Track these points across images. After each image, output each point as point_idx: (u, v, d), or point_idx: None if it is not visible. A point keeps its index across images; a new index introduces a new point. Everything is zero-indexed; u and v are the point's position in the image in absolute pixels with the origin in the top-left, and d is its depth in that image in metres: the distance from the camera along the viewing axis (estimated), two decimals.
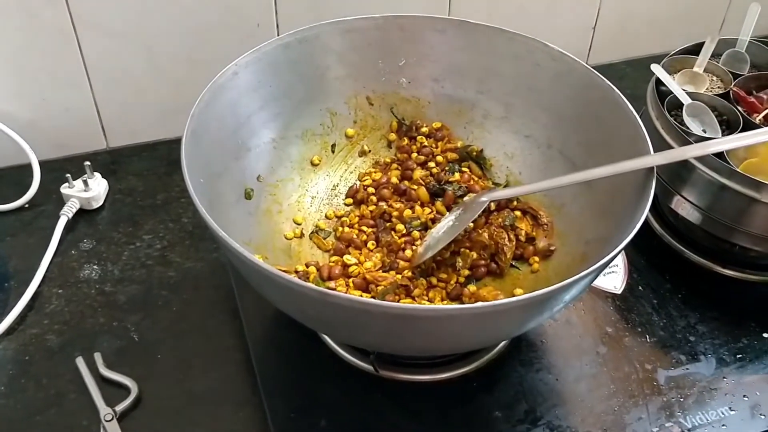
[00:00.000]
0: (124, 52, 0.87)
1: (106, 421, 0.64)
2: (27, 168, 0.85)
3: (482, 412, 0.65)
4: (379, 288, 0.66)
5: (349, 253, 0.72)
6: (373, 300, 0.58)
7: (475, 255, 0.71)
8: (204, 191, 0.61)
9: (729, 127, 0.79)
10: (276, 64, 0.72)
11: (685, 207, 0.75)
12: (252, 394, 0.67)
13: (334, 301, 0.49)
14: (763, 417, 0.66)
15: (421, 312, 0.52)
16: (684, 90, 0.81)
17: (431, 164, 0.78)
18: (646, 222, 0.82)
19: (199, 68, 0.89)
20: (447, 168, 0.78)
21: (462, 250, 0.71)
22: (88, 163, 0.84)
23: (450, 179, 0.77)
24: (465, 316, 0.52)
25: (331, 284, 0.67)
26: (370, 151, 0.81)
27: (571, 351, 0.71)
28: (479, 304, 0.60)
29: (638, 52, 1.13)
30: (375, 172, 0.79)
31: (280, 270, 0.63)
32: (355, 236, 0.73)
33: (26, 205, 0.85)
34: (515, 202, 0.75)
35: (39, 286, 0.76)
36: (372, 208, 0.76)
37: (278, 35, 0.90)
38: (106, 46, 0.85)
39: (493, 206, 0.74)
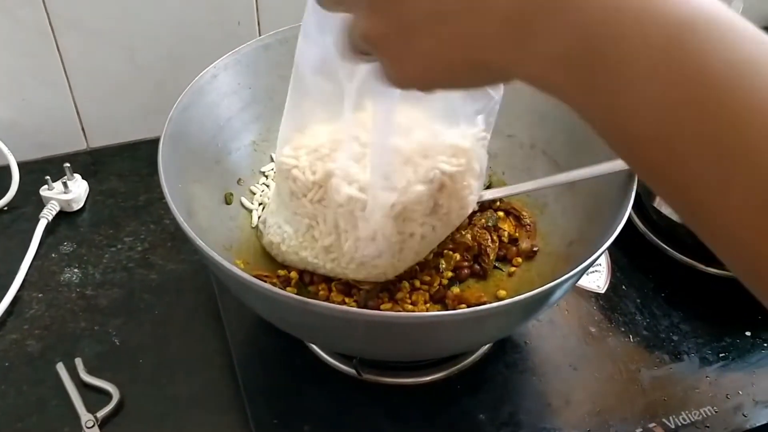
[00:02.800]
0: (103, 50, 0.86)
1: (88, 427, 0.63)
2: (5, 170, 0.84)
3: (466, 415, 0.65)
4: (362, 291, 0.66)
5: None
6: (353, 308, 0.57)
7: (458, 257, 0.70)
8: (183, 196, 0.60)
9: None
10: (256, 65, 0.71)
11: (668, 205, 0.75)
12: (235, 398, 0.66)
13: (313, 310, 0.49)
14: (745, 416, 0.67)
15: (403, 319, 0.51)
16: None
17: None
18: (630, 221, 0.82)
19: (180, 67, 0.88)
20: None
21: (445, 251, 0.71)
22: (67, 164, 0.83)
23: None
24: (447, 322, 0.52)
25: (313, 288, 0.67)
26: None
27: (554, 352, 0.71)
28: (462, 310, 0.60)
29: None
30: None
31: (261, 275, 0.63)
32: None
33: (5, 208, 0.84)
34: (498, 203, 0.74)
35: (18, 290, 0.75)
36: None
37: (260, 33, 0.90)
38: (85, 44, 0.84)
39: (475, 207, 0.73)
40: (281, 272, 0.69)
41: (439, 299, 0.68)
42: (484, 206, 0.74)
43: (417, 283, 0.69)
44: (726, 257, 0.31)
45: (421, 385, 0.67)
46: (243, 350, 0.69)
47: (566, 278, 0.52)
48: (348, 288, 0.67)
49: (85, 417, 0.64)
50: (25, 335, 0.71)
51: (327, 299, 0.65)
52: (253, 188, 0.74)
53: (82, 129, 0.91)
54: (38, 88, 0.86)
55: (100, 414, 0.64)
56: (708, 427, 0.65)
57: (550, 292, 0.52)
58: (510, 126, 0.76)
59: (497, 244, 0.71)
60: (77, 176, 0.85)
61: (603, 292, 0.77)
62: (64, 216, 0.83)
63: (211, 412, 0.66)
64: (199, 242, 0.52)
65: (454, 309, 0.65)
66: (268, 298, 0.51)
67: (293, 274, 0.68)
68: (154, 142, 0.62)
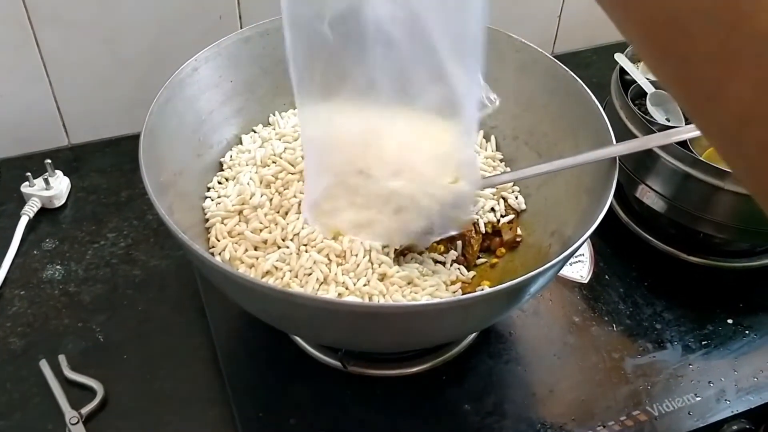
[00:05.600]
0: (83, 45, 0.85)
1: (72, 424, 0.63)
2: None
3: (452, 405, 0.65)
4: None
5: None
6: (336, 299, 0.57)
7: (442, 248, 0.70)
8: (165, 190, 0.60)
9: None
10: (237, 58, 0.71)
11: (650, 196, 0.76)
12: (220, 393, 0.66)
13: (296, 301, 0.49)
14: (728, 402, 0.67)
15: (386, 309, 0.52)
16: (647, 79, 0.81)
17: None
18: (612, 211, 0.83)
19: (161, 61, 0.87)
20: None
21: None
22: (48, 160, 0.82)
23: None
24: (430, 312, 0.52)
25: None
26: None
27: (539, 341, 0.71)
28: (444, 299, 0.60)
29: (605, 39, 1.13)
30: None
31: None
32: None
33: None
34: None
35: (0, 288, 0.74)
36: None
37: (241, 27, 0.89)
38: (65, 39, 0.84)
39: None
40: None
41: None
42: None
43: None
44: None
45: (406, 377, 0.67)
46: (227, 345, 0.69)
47: (547, 267, 0.52)
48: None
49: (70, 414, 0.64)
50: (7, 333, 0.71)
51: None
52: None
53: (63, 125, 0.90)
54: (17, 83, 0.85)
55: (85, 410, 0.64)
56: (691, 414, 0.66)
57: (532, 281, 0.52)
58: (493, 118, 0.76)
59: (481, 235, 0.71)
60: (59, 172, 0.84)
61: (586, 281, 0.77)
62: (45, 213, 0.83)
63: (196, 406, 0.66)
64: (181, 235, 0.51)
65: None
66: (250, 290, 0.50)
67: None
68: (136, 138, 0.62)
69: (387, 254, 0.63)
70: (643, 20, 0.30)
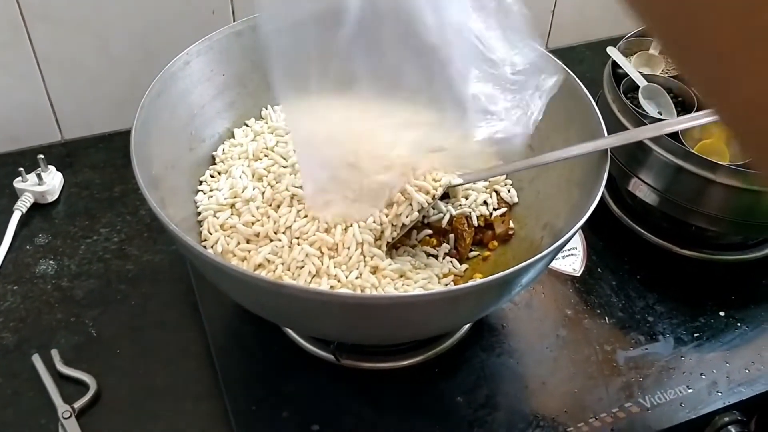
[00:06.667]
0: (76, 42, 0.85)
1: (64, 418, 0.63)
2: None
3: (444, 398, 0.66)
4: None
5: None
6: (328, 290, 0.57)
7: (435, 241, 0.70)
8: (157, 184, 0.60)
9: (684, 108, 0.80)
10: (229, 52, 0.71)
11: (642, 189, 0.76)
12: (213, 387, 0.66)
13: (288, 293, 0.49)
14: (720, 394, 0.67)
15: (377, 300, 0.52)
16: (640, 72, 0.81)
17: None
18: (605, 204, 0.83)
19: (153, 57, 0.87)
20: None
21: (423, 236, 0.71)
22: (41, 156, 0.82)
23: None
24: (422, 303, 0.52)
25: None
26: None
27: (531, 334, 0.72)
28: (435, 290, 0.60)
29: (597, 34, 1.13)
30: None
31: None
32: None
33: None
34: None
35: None
36: None
37: (234, 21, 0.89)
38: (58, 36, 0.84)
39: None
40: None
41: None
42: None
43: None
44: None
45: (398, 370, 0.67)
46: (220, 339, 0.69)
47: (537, 259, 0.52)
48: None
49: (62, 408, 0.64)
50: (0, 328, 0.71)
51: None
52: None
53: (56, 121, 0.90)
54: (10, 80, 0.85)
55: (77, 405, 0.64)
56: (683, 405, 0.66)
57: (522, 272, 0.53)
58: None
59: (473, 228, 0.71)
60: (52, 168, 0.84)
61: (579, 275, 0.77)
62: (38, 208, 0.83)
63: (189, 400, 0.66)
64: (173, 227, 0.51)
65: None
66: (243, 282, 0.50)
67: None
68: (128, 134, 0.62)
69: (379, 247, 0.64)
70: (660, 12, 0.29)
